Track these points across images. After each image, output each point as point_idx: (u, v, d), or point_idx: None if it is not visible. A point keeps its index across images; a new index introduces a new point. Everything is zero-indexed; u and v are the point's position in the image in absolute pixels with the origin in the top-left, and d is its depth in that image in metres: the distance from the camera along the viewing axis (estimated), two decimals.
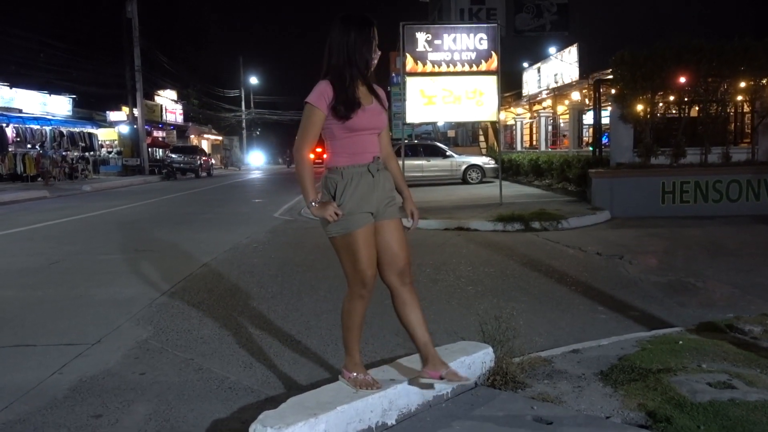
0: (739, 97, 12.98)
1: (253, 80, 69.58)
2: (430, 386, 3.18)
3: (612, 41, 16.37)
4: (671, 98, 12.51)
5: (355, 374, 3.12)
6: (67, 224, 12.66)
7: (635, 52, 12.05)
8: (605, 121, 16.69)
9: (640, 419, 3.03)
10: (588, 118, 21.76)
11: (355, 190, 3.05)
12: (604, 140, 16.77)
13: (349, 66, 3.05)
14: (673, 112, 12.89)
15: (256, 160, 66.07)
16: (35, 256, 8.63)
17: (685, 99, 12.51)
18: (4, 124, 27.22)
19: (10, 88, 29.35)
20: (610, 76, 13.68)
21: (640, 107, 12.34)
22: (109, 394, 3.73)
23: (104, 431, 3.26)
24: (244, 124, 68.07)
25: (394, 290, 3.18)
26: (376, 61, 3.13)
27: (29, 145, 28.89)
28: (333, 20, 3.10)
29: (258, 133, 75.59)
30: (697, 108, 12.80)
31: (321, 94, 3.02)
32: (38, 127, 29.71)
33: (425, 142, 26.91)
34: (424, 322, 3.19)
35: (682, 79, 11.89)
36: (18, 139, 28.25)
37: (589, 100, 19.88)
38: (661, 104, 12.62)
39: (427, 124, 33.42)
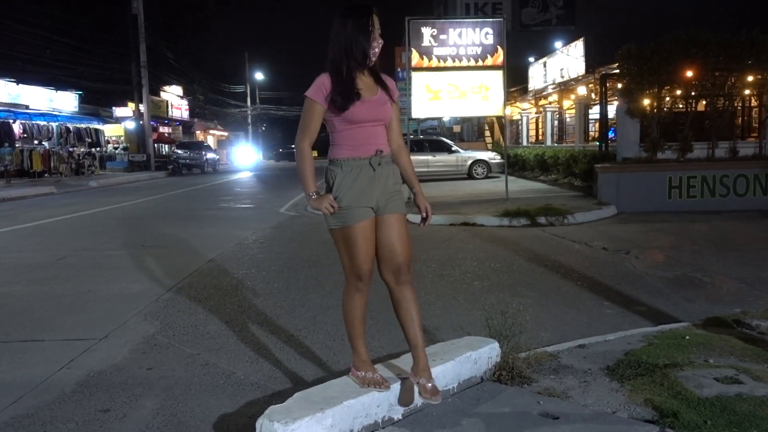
0: (747, 91, 12.94)
1: (259, 76, 69.58)
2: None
3: (618, 35, 16.32)
4: (678, 92, 12.45)
5: (362, 372, 3.10)
6: (74, 220, 12.71)
7: (642, 46, 11.99)
8: (611, 115, 16.64)
9: (647, 414, 3.03)
10: (594, 112, 21.68)
11: (353, 184, 3.01)
12: (611, 135, 16.73)
13: (347, 57, 3.01)
14: (680, 106, 12.83)
15: (245, 157, 47.91)
16: (43, 252, 8.66)
17: (692, 93, 12.45)
18: (11, 120, 27.28)
19: (17, 84, 29.41)
20: (617, 71, 13.62)
21: (646, 101, 12.29)
22: (117, 388, 3.75)
23: (112, 426, 3.27)
24: (249, 120, 68.11)
25: (389, 288, 3.10)
26: (377, 50, 3.05)
27: (36, 141, 28.97)
28: (340, 12, 3.06)
29: (264, 128, 75.62)
30: (704, 102, 12.75)
31: (319, 87, 3.00)
32: (45, 123, 29.77)
33: (431, 137, 26.88)
34: (417, 324, 3.05)
35: (689, 73, 11.83)
36: (25, 135, 28.31)
37: (596, 95, 19.80)
38: (667, 98, 12.56)
39: (433, 119, 33.34)
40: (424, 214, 3.18)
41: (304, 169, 3.05)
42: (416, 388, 3.05)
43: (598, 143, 16.86)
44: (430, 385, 2.98)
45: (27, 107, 29.06)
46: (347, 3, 3.08)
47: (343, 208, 2.99)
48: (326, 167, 3.10)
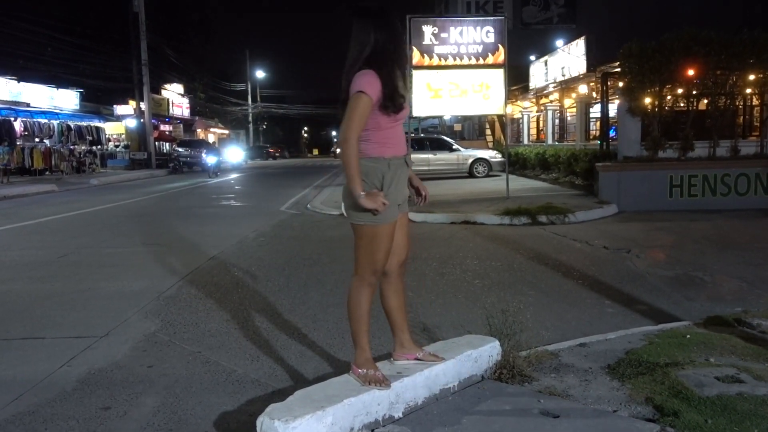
0: (748, 90, 12.92)
1: (260, 74, 69.61)
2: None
3: (620, 34, 16.28)
4: (679, 91, 12.43)
5: (364, 370, 3.09)
6: (75, 218, 12.71)
7: (643, 45, 11.97)
8: (612, 114, 16.63)
9: (648, 413, 3.02)
10: (595, 111, 21.68)
11: (398, 182, 3.09)
12: (612, 134, 16.72)
13: (393, 57, 3.07)
14: (681, 105, 12.81)
15: (233, 156, 40.49)
16: (44, 250, 8.67)
17: (694, 92, 12.43)
18: (12, 118, 27.30)
19: (18, 82, 29.43)
20: (618, 69, 13.61)
21: (648, 100, 12.28)
22: (118, 386, 3.75)
23: (112, 423, 3.28)
24: (250, 118, 68.12)
25: (391, 277, 3.27)
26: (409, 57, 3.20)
27: (37, 139, 28.98)
28: (359, 11, 3.08)
29: (264, 126, 75.64)
30: (705, 101, 12.72)
31: (372, 84, 2.98)
32: (46, 121, 29.79)
33: (431, 135, 26.85)
34: (404, 309, 3.38)
35: (691, 72, 11.81)
36: (26, 133, 28.32)
37: (597, 94, 19.80)
38: (669, 97, 12.54)
39: (434, 117, 33.33)
40: (424, 193, 3.37)
41: (353, 166, 2.97)
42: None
43: (599, 142, 16.85)
44: (429, 352, 3.34)
45: (28, 105, 29.09)
46: (368, 3, 3.11)
47: (389, 205, 3.04)
48: (365, 164, 3.05)
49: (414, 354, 3.32)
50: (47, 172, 28.01)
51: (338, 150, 20.68)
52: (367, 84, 2.97)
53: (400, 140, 3.15)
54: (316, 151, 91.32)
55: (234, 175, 29.89)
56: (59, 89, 32.83)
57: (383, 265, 3.14)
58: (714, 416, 2.90)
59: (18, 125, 27.78)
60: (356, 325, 3.18)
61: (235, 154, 37.62)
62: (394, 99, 3.02)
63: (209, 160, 30.21)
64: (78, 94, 34.71)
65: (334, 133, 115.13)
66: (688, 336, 4.01)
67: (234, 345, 4.48)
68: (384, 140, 3.08)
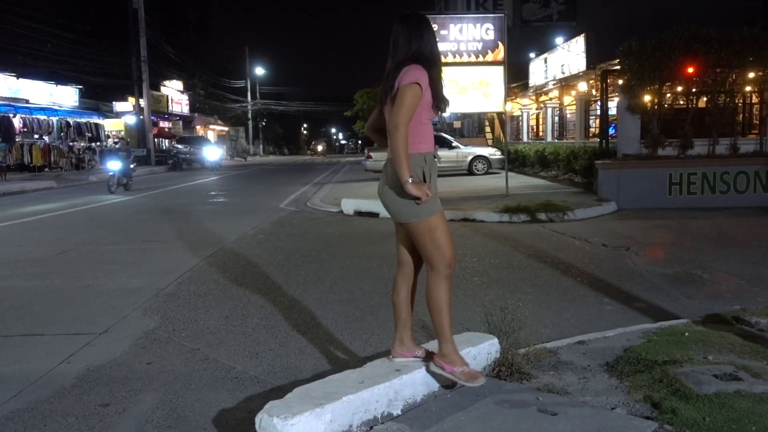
0: (748, 88, 12.91)
1: (259, 71, 69.57)
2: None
3: (619, 31, 16.25)
4: (679, 89, 12.43)
5: (463, 368, 3.13)
6: (74, 214, 12.71)
7: (643, 42, 11.97)
8: (612, 112, 16.63)
9: (646, 410, 3.03)
10: (595, 109, 21.68)
11: (433, 176, 3.21)
12: (611, 131, 16.71)
13: (435, 59, 3.21)
14: (681, 102, 12.81)
15: (211, 155, 34.72)
16: (43, 246, 8.67)
17: (693, 90, 12.43)
18: (11, 115, 27.28)
19: (17, 78, 29.41)
20: (618, 67, 13.60)
21: (647, 98, 12.27)
22: (117, 383, 3.76)
23: (111, 420, 3.28)
24: (249, 115, 68.08)
25: (409, 273, 3.35)
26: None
27: (36, 136, 28.96)
28: (406, 16, 3.26)
29: (264, 123, 75.64)
30: (705, 99, 12.72)
31: (422, 78, 3.08)
32: (45, 117, 29.77)
33: None
34: (413, 306, 3.41)
35: (690, 70, 11.81)
36: (25, 130, 28.32)
37: (596, 91, 19.79)
38: (668, 95, 12.55)
39: None
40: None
41: (402, 155, 3.03)
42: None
43: (598, 139, 16.86)
44: (429, 350, 3.36)
45: (27, 101, 29.07)
46: (410, 10, 3.33)
47: (433, 197, 3.13)
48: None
49: (413, 352, 3.33)
50: (46, 169, 28.00)
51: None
52: (422, 76, 3.08)
53: (431, 137, 3.24)
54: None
55: (232, 172, 29.88)
56: (58, 86, 32.82)
57: (452, 254, 3.17)
58: (712, 414, 2.90)
59: (17, 122, 27.77)
60: (441, 317, 3.19)
61: (212, 153, 33.88)
62: (441, 96, 3.17)
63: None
64: (77, 90, 34.69)
65: (333, 130, 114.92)
66: (687, 334, 4.02)
67: (233, 342, 4.48)
68: (420, 136, 3.17)
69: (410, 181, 3.03)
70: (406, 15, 3.26)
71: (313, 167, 33.94)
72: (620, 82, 13.08)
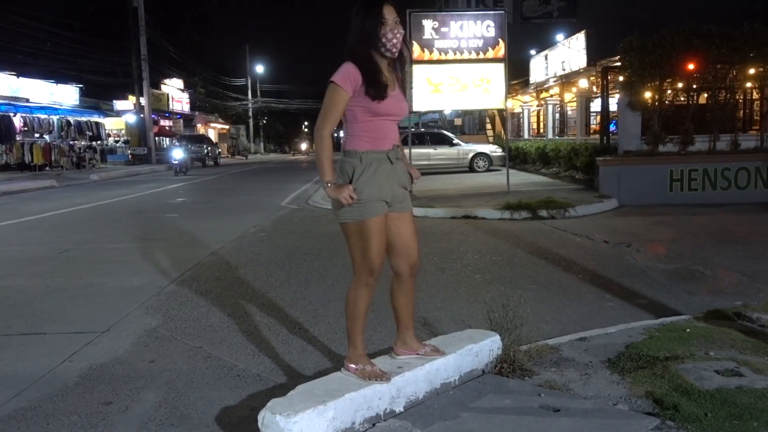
0: (749, 84, 12.90)
1: (260, 69, 69.55)
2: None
3: (620, 28, 16.24)
4: (680, 85, 12.42)
5: (361, 366, 3.09)
6: (75, 213, 12.72)
7: (643, 39, 11.95)
8: (613, 108, 16.61)
9: (648, 406, 3.03)
10: (596, 105, 21.65)
11: (373, 177, 3.01)
12: (612, 128, 16.70)
13: (372, 48, 3.03)
14: (682, 99, 12.81)
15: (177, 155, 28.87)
16: (44, 245, 8.68)
17: (694, 86, 12.43)
18: (12, 114, 27.28)
19: (17, 77, 29.41)
20: (618, 63, 13.60)
21: (648, 94, 12.26)
22: (119, 381, 3.76)
23: (114, 418, 3.29)
24: (250, 113, 68.08)
25: (401, 278, 3.24)
26: (395, 41, 3.04)
27: (37, 135, 28.96)
28: (355, 4, 3.08)
29: (265, 121, 75.65)
30: (705, 95, 12.71)
31: (347, 75, 2.97)
32: (45, 116, 29.78)
33: (432, 130, 26.80)
34: (412, 309, 3.38)
35: (691, 66, 11.80)
36: (25, 129, 28.32)
37: (597, 88, 19.76)
38: (669, 91, 12.54)
39: (434, 112, 33.29)
40: (415, 174, 3.31)
41: (324, 157, 2.98)
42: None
43: (599, 136, 16.84)
44: (429, 348, 3.34)
45: (27, 100, 29.07)
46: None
47: (362, 201, 2.98)
48: (341, 159, 3.07)
49: (416, 351, 3.32)
50: (47, 168, 28.00)
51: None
52: (342, 74, 2.97)
53: (381, 135, 3.07)
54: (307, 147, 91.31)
55: (234, 171, 29.86)
56: (59, 84, 32.83)
57: (380, 264, 3.09)
58: (713, 409, 2.91)
59: (17, 121, 27.77)
60: (352, 324, 3.17)
61: (176, 153, 28.33)
62: (375, 92, 2.98)
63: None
64: (77, 89, 34.70)
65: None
66: (688, 330, 4.02)
67: (235, 340, 4.49)
68: (359, 133, 3.05)
69: (329, 184, 2.97)
70: (358, 2, 3.09)
71: (315, 165, 33.93)
72: (621, 78, 13.07)
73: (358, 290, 3.13)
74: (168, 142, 41.12)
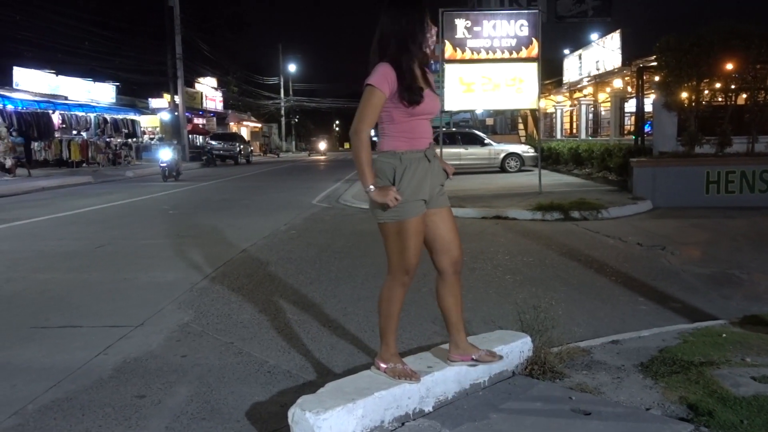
0: None
1: (292, 68, 70.01)
2: (464, 368, 3.22)
3: (656, 27, 16.02)
4: (717, 85, 12.19)
5: (392, 365, 3.09)
6: (111, 209, 12.95)
7: (681, 38, 11.76)
8: (648, 109, 16.37)
9: (681, 412, 2.98)
10: (630, 106, 21.35)
11: (413, 176, 3.01)
12: (647, 129, 16.46)
13: (410, 51, 3.02)
14: (719, 99, 12.57)
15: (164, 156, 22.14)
16: (81, 240, 8.85)
17: (732, 86, 12.18)
18: (51, 111, 27.87)
19: (56, 75, 30.05)
20: (654, 63, 13.39)
21: (684, 95, 12.06)
22: (152, 375, 3.82)
23: (147, 411, 3.34)
24: (282, 112, 68.57)
25: (444, 276, 3.20)
26: (431, 43, 3.10)
27: (74, 132, 29.55)
28: (384, 3, 3.06)
29: (296, 120, 76.12)
30: (744, 95, 12.46)
31: (384, 77, 2.95)
32: (83, 114, 30.36)
33: (463, 129, 26.71)
34: (461, 309, 3.26)
35: (729, 66, 11.57)
36: (63, 126, 28.91)
37: (632, 88, 19.49)
38: (706, 92, 12.32)
39: (466, 111, 33.17)
40: (449, 170, 3.36)
41: (363, 161, 2.96)
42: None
43: (633, 137, 16.61)
44: (484, 352, 3.25)
45: (66, 98, 29.67)
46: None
47: (403, 201, 2.98)
48: (379, 159, 3.06)
49: (470, 355, 3.24)
50: (84, 164, 28.53)
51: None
52: (379, 76, 2.96)
53: (418, 134, 3.07)
54: (347, 145, 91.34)
55: (265, 169, 30.09)
56: (96, 83, 33.47)
57: (416, 264, 3.08)
58: (750, 417, 2.85)
59: (56, 118, 28.35)
60: (386, 322, 3.17)
61: (163, 155, 22.44)
62: (410, 95, 2.98)
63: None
64: (114, 87, 35.36)
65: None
66: (724, 335, 3.95)
67: (266, 336, 4.53)
68: (397, 134, 3.05)
69: (372, 189, 2.96)
70: (393, 1, 3.06)
71: (346, 164, 34.01)
72: (657, 78, 12.88)
73: (393, 289, 3.12)
74: (201, 140, 41.64)
